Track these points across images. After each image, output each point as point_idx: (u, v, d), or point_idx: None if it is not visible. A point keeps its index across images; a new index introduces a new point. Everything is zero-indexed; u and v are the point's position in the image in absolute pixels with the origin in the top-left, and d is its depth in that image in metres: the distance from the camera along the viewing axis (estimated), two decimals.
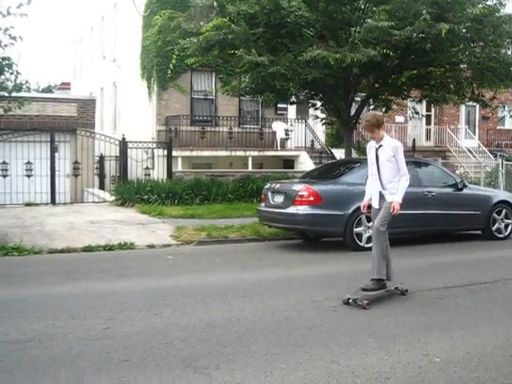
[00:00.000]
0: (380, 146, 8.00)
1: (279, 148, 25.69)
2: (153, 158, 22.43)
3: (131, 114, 27.32)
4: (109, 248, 12.04)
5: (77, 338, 6.13)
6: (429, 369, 5.31)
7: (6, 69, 13.06)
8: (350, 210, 11.98)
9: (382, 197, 8.04)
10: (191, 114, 25.14)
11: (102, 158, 22.49)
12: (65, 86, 45.25)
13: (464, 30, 14.46)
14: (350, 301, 7.48)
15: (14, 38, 12.74)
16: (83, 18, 36.34)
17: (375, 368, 5.30)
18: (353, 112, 17.28)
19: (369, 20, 13.93)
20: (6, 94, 13.20)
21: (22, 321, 6.80)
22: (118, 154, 20.92)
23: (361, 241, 12.13)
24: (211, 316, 6.98)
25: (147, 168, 20.49)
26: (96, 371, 5.20)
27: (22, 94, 14.11)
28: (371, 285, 7.79)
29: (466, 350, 5.86)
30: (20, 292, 8.37)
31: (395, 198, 7.86)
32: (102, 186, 22.64)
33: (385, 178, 8.00)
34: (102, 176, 22.83)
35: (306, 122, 26.49)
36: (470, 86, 17.14)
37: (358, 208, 12.03)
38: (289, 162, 25.96)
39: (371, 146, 8.18)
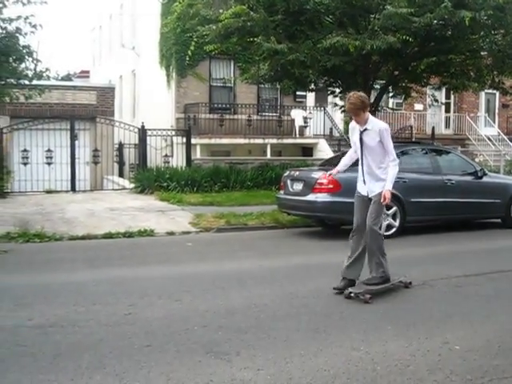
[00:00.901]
0: (365, 129, 7.33)
1: (298, 136, 25.64)
2: (172, 145, 22.49)
3: (150, 101, 27.35)
4: (129, 235, 12.13)
5: (99, 324, 6.20)
6: (449, 356, 5.31)
7: (27, 57, 13.16)
8: None
9: (369, 185, 7.43)
10: (210, 102, 25.14)
11: (121, 146, 22.59)
12: (84, 74, 45.35)
13: (485, 18, 14.31)
14: (352, 295, 7.18)
15: (34, 27, 12.84)
16: (102, 6, 36.36)
17: (395, 355, 5.31)
18: (372, 99, 17.21)
19: (388, 7, 13.83)
20: (26, 82, 13.31)
21: (45, 306, 6.89)
22: (136, 142, 21.01)
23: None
24: (231, 302, 7.02)
25: (166, 155, 20.55)
26: (118, 356, 5.25)
27: (41, 82, 14.22)
28: (373, 279, 7.48)
29: (486, 337, 5.85)
30: (42, 278, 8.48)
31: (385, 186, 7.26)
32: (121, 174, 22.76)
33: (371, 164, 7.37)
34: (121, 163, 22.95)
35: (324, 109, 26.40)
36: (491, 74, 17.00)
37: None
38: (307, 150, 25.91)
39: (354, 128, 7.49)
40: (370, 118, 7.37)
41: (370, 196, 7.41)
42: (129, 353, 5.34)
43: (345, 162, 7.86)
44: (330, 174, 8.03)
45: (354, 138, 7.50)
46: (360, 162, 7.50)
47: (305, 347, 5.48)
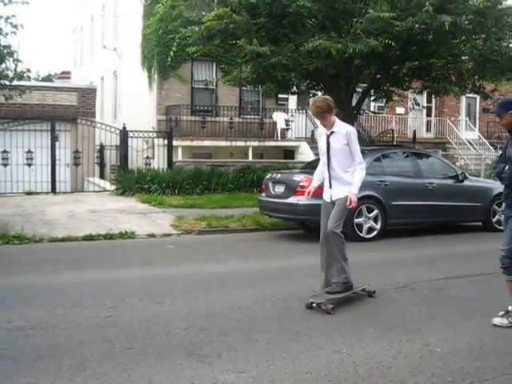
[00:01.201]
0: (331, 132, 7.13)
1: (280, 138, 25.67)
2: (153, 147, 22.42)
3: (131, 103, 27.26)
4: (109, 237, 12.06)
5: (79, 326, 6.16)
6: (430, 359, 5.33)
7: (8, 57, 13.05)
8: None
9: (334, 189, 7.22)
10: (192, 104, 25.12)
11: (102, 148, 22.51)
12: (65, 75, 45.08)
13: (466, 22, 14.42)
14: (314, 305, 6.85)
15: (15, 27, 12.75)
16: (83, 7, 36.23)
17: (377, 357, 5.32)
18: (354, 103, 17.27)
19: (371, 10, 13.88)
20: (7, 83, 13.19)
21: (25, 308, 6.83)
22: (118, 144, 20.93)
23: (361, 231, 12.16)
24: (213, 305, 7.00)
25: (148, 157, 20.49)
26: (99, 359, 5.22)
27: (22, 82, 14.10)
28: (335, 287, 7.16)
29: (467, 340, 5.88)
30: (22, 280, 8.40)
31: (351, 189, 7.08)
32: (102, 176, 22.68)
33: (338, 168, 7.17)
34: (102, 165, 22.85)
35: (306, 112, 26.43)
36: (472, 78, 17.13)
37: (359, 199, 12.06)
38: (289, 153, 25.95)
39: (321, 133, 7.31)
40: (337, 121, 7.20)
41: (333, 199, 7.23)
42: (110, 355, 5.31)
43: (318, 177, 7.60)
44: (308, 193, 7.58)
45: (321, 143, 7.33)
46: (326, 168, 7.29)
47: (286, 349, 5.48)
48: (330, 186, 7.26)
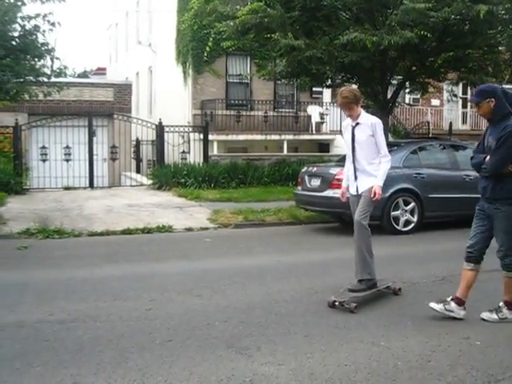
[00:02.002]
0: (357, 123, 7.07)
1: (314, 132, 25.62)
2: (189, 142, 22.55)
3: (167, 98, 27.43)
4: (147, 231, 12.20)
5: (120, 319, 6.26)
6: (469, 352, 5.31)
7: (46, 54, 13.25)
8: (387, 194, 11.93)
9: (360, 181, 7.12)
10: (226, 98, 25.19)
11: (138, 142, 22.70)
12: (100, 71, 45.59)
13: (503, 12, 14.23)
14: (337, 303, 6.67)
15: (52, 24, 12.93)
16: (118, 4, 36.49)
17: (415, 350, 5.32)
18: (389, 95, 17.17)
19: (406, 2, 13.76)
20: (45, 79, 13.39)
21: (66, 302, 6.96)
22: (153, 138, 21.12)
23: (398, 224, 12.12)
24: (251, 298, 7.05)
25: (184, 152, 20.60)
26: (140, 351, 5.30)
27: (60, 79, 14.30)
28: (359, 285, 6.98)
29: (507, 333, 5.83)
30: (62, 274, 8.56)
31: (376, 181, 6.95)
32: (138, 170, 22.88)
33: (363, 160, 7.07)
34: (138, 160, 23.06)
35: None
36: (509, 69, 16.90)
37: (395, 191, 12.16)
38: (324, 146, 25.89)
39: (347, 125, 7.24)
40: (363, 112, 7.15)
41: (359, 192, 7.11)
42: (150, 348, 5.39)
43: (347, 176, 7.48)
44: (342, 195, 7.50)
45: (346, 135, 7.27)
46: (351, 160, 7.20)
47: (325, 342, 5.51)
48: (356, 179, 7.16)
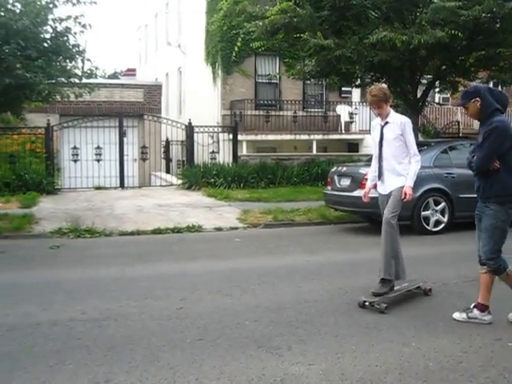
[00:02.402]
0: (386, 122, 7.00)
1: (344, 131, 25.54)
2: (218, 142, 22.63)
3: (196, 98, 27.54)
4: (177, 230, 12.29)
5: (151, 318, 6.32)
6: (502, 353, 5.27)
7: (77, 56, 13.38)
8: (418, 194, 11.86)
9: (389, 180, 7.04)
10: (255, 98, 25.22)
11: (167, 143, 22.83)
12: (130, 72, 45.88)
13: None
14: (367, 304, 6.64)
15: (83, 26, 13.02)
16: (148, 5, 36.72)
17: (447, 352, 5.29)
18: (419, 94, 17.05)
19: (436, 0, 13.66)
20: (76, 81, 13.53)
21: (98, 300, 7.04)
22: (183, 139, 21.24)
23: (428, 224, 12.04)
24: (281, 297, 7.06)
25: (213, 152, 20.68)
26: (171, 349, 5.35)
27: (90, 80, 14.44)
28: (381, 288, 6.83)
29: None
30: (94, 273, 8.66)
31: (406, 182, 6.89)
32: (168, 170, 23.01)
33: (392, 159, 6.99)
34: (168, 160, 23.20)
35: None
36: None
37: (426, 191, 12.08)
38: (353, 146, 25.81)
39: (376, 124, 7.20)
40: (392, 112, 7.09)
41: (388, 192, 7.05)
42: (181, 346, 5.43)
43: (371, 175, 7.42)
44: (364, 196, 7.38)
45: (375, 134, 7.20)
46: (378, 160, 7.12)
47: (356, 342, 5.50)
48: (383, 178, 7.09)
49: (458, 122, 27.94)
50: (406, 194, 6.82)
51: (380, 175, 7.12)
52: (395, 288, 6.99)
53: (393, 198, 6.92)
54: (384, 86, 7.09)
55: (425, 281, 7.40)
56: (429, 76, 17.75)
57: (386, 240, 6.92)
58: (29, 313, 6.58)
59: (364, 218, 13.45)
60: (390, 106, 7.17)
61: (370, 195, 11.74)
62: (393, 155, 6.98)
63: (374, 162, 7.27)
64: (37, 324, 6.14)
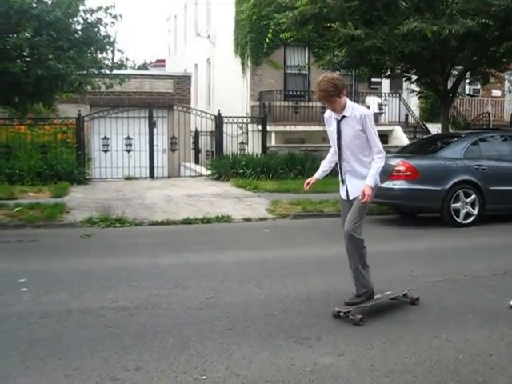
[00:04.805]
0: (343, 117, 5.98)
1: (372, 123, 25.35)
2: (247, 133, 22.65)
3: (225, 89, 27.59)
4: (206, 221, 12.35)
5: (181, 307, 6.37)
6: None
7: (108, 47, 13.46)
8: (448, 186, 11.83)
9: (350, 184, 6.16)
10: (284, 89, 25.18)
11: (197, 133, 22.91)
12: (160, 63, 46.10)
13: None
14: (341, 314, 5.94)
15: (114, 17, 13.09)
16: None
17: (477, 344, 5.26)
18: (449, 86, 16.91)
19: None
20: (107, 72, 13.62)
21: (129, 289, 7.11)
22: (212, 129, 21.30)
23: (458, 217, 11.94)
24: (310, 288, 7.07)
25: (242, 143, 20.71)
26: (201, 339, 5.39)
27: (121, 71, 14.53)
28: (355, 298, 6.14)
29: None
30: (125, 262, 8.75)
31: (366, 181, 5.91)
32: (197, 161, 23.09)
33: (352, 160, 6.07)
34: (197, 151, 23.28)
35: (399, 96, 26.06)
36: None
37: (456, 183, 11.99)
38: (382, 137, 25.51)
39: (330, 117, 6.16)
40: (348, 103, 6.01)
41: (351, 198, 6.18)
42: (211, 336, 5.47)
43: (324, 167, 6.59)
44: (307, 184, 6.67)
45: (331, 128, 6.20)
46: (338, 160, 6.20)
47: (385, 334, 5.50)
48: (344, 181, 6.23)
49: (489, 114, 27.68)
50: (364, 195, 5.84)
51: (341, 178, 6.25)
52: (376, 296, 6.27)
53: (355, 206, 6.04)
54: (335, 75, 6.08)
55: (412, 288, 6.75)
56: (459, 67, 17.59)
57: (352, 255, 6.11)
58: (61, 300, 6.67)
59: (393, 209, 13.41)
60: (348, 96, 6.24)
61: (400, 187, 11.83)
62: (353, 155, 6.06)
63: (330, 155, 6.47)
64: (68, 312, 6.22)
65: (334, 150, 6.32)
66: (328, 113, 6.18)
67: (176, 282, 7.43)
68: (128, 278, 7.64)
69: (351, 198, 6.16)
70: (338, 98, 5.87)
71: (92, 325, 5.82)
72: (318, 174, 6.60)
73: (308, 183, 6.60)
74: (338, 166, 6.24)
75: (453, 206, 11.90)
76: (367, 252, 6.18)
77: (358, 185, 6.00)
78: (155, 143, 19.97)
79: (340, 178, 6.27)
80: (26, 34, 11.04)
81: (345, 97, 5.98)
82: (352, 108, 5.98)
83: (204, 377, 4.59)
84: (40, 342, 5.34)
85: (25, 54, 12.09)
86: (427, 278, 7.55)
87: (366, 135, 5.95)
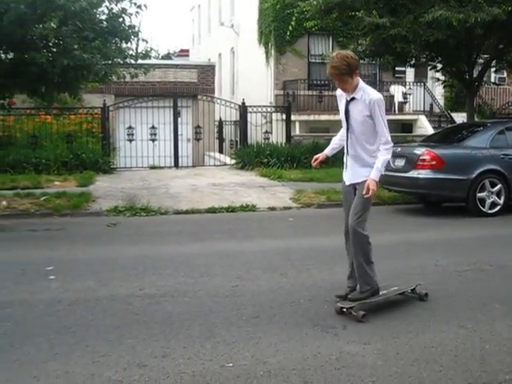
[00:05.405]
0: (352, 98, 5.68)
1: (397, 112, 25.26)
2: (271, 122, 22.64)
3: (249, 78, 27.57)
4: (231, 210, 12.40)
5: (207, 295, 6.42)
6: None
7: (132, 37, 13.51)
8: (474, 175, 11.75)
9: (353, 170, 5.89)
10: (308, 78, 25.10)
11: (221, 123, 22.95)
12: (183, 53, 46.16)
13: None
14: (344, 310, 5.72)
15: (139, 7, 13.13)
16: None
17: (504, 334, 5.25)
18: (475, 74, 16.76)
19: None
20: (132, 61, 13.68)
21: (155, 277, 7.18)
22: (236, 119, 21.31)
23: (484, 206, 11.86)
24: (336, 277, 7.04)
25: (266, 132, 20.71)
26: (227, 326, 5.43)
27: (145, 61, 14.58)
28: (359, 294, 5.86)
29: None
30: (151, 250, 8.82)
31: (371, 174, 5.62)
32: (221, 150, 23.15)
33: (356, 144, 5.78)
34: (221, 140, 23.33)
35: (424, 85, 25.87)
36: None
37: (482, 173, 11.91)
38: (407, 126, 25.49)
39: (341, 95, 5.83)
40: (361, 85, 5.65)
41: (349, 183, 5.95)
42: (237, 323, 5.52)
43: (334, 144, 6.34)
44: (315, 160, 6.35)
45: (341, 106, 5.88)
46: (345, 141, 5.91)
47: (411, 323, 5.50)
48: (347, 166, 5.95)
49: None
50: (368, 189, 5.58)
51: (345, 160, 5.99)
52: (381, 292, 6.00)
53: (358, 199, 5.79)
54: (350, 53, 5.68)
55: (420, 283, 6.43)
56: (485, 55, 17.44)
57: (355, 251, 5.85)
58: (88, 288, 6.75)
59: (418, 198, 13.36)
60: (360, 77, 5.82)
61: (426, 176, 11.76)
62: (358, 140, 5.78)
63: (341, 132, 6.10)
64: (96, 299, 6.30)
65: (343, 129, 5.99)
66: (340, 90, 5.84)
67: (202, 270, 7.48)
68: (154, 266, 7.71)
69: (347, 183, 5.97)
70: (349, 78, 5.55)
71: (119, 312, 5.89)
72: (327, 151, 6.38)
73: (316, 159, 6.31)
74: (345, 149, 5.96)
75: (478, 195, 11.82)
76: (371, 248, 5.97)
77: (359, 172, 5.78)
78: (180, 133, 20.02)
79: (345, 160, 5.97)
80: (52, 25, 11.09)
81: (358, 77, 5.64)
82: (363, 91, 5.65)
83: (231, 364, 4.63)
84: (68, 329, 5.41)
85: (50, 44, 12.18)
86: (453, 268, 7.52)
87: (374, 122, 5.63)
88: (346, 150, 5.92)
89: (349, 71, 5.48)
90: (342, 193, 6.22)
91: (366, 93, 5.62)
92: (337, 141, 6.24)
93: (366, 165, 5.72)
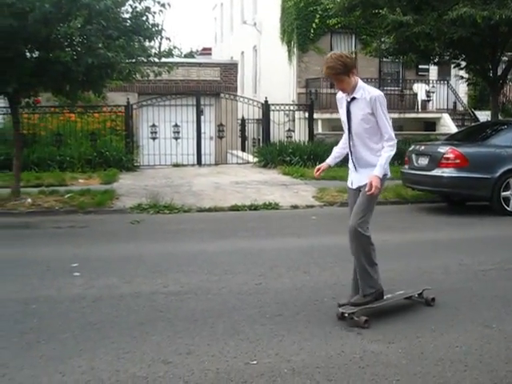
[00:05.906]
0: (353, 98, 5.54)
1: (420, 110, 25.14)
2: (294, 120, 22.63)
3: (271, 77, 27.57)
4: (254, 208, 12.44)
5: (231, 292, 6.45)
6: None
7: (156, 35, 13.57)
8: (498, 174, 11.67)
9: (358, 173, 5.74)
10: None
11: (243, 121, 22.98)
12: (206, 51, 46.23)
13: None
14: (346, 315, 5.54)
15: (163, 6, 13.17)
16: None
17: None
18: (499, 72, 16.62)
19: None
20: (156, 60, 13.74)
21: (179, 274, 7.22)
22: (259, 117, 21.32)
23: (508, 205, 11.78)
24: None
25: (289, 130, 20.70)
26: (251, 324, 5.45)
27: (168, 59, 14.64)
28: (360, 299, 5.67)
29: None
30: (174, 247, 8.87)
31: (374, 171, 5.47)
32: (243, 148, 23.18)
33: (360, 146, 5.63)
34: (243, 138, 23.36)
35: (448, 83, 25.71)
36: None
37: (506, 171, 11.81)
38: (430, 125, 25.35)
39: (341, 98, 5.68)
40: (360, 83, 5.55)
41: (355, 186, 5.83)
42: (261, 321, 5.53)
43: (336, 153, 6.10)
44: (317, 170, 6.12)
45: (342, 110, 5.73)
46: (348, 143, 5.75)
47: (435, 322, 5.48)
48: (354, 169, 5.78)
49: None
50: (371, 186, 5.42)
51: (351, 164, 5.84)
52: (386, 296, 5.82)
53: (361, 199, 5.68)
54: (344, 53, 5.65)
55: (428, 288, 6.21)
56: (510, 53, 17.30)
57: (357, 253, 5.78)
58: (112, 285, 6.81)
59: (442, 197, 13.29)
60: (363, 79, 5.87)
61: (450, 174, 11.70)
62: (360, 140, 5.64)
63: (343, 140, 5.95)
64: (120, 296, 6.35)
65: (345, 135, 5.85)
66: (340, 94, 5.70)
67: (225, 267, 7.51)
68: (178, 264, 7.75)
69: (354, 186, 5.82)
70: (346, 78, 5.42)
71: (143, 309, 5.93)
72: (330, 161, 6.13)
73: (318, 169, 6.08)
74: (348, 152, 5.78)
75: (503, 194, 11.74)
76: (375, 250, 5.86)
77: (365, 173, 5.60)
78: (203, 131, 20.12)
79: (351, 165, 5.81)
80: (77, 23, 11.17)
81: (356, 77, 5.53)
82: (363, 89, 5.52)
83: (255, 361, 4.64)
84: (93, 326, 5.46)
85: (75, 42, 12.26)
86: (477, 267, 7.48)
87: (377, 119, 5.49)
88: (350, 155, 5.78)
89: (345, 70, 5.38)
90: (348, 196, 6.14)
91: (366, 91, 5.53)
92: (338, 149, 6.06)
93: (372, 165, 5.57)
